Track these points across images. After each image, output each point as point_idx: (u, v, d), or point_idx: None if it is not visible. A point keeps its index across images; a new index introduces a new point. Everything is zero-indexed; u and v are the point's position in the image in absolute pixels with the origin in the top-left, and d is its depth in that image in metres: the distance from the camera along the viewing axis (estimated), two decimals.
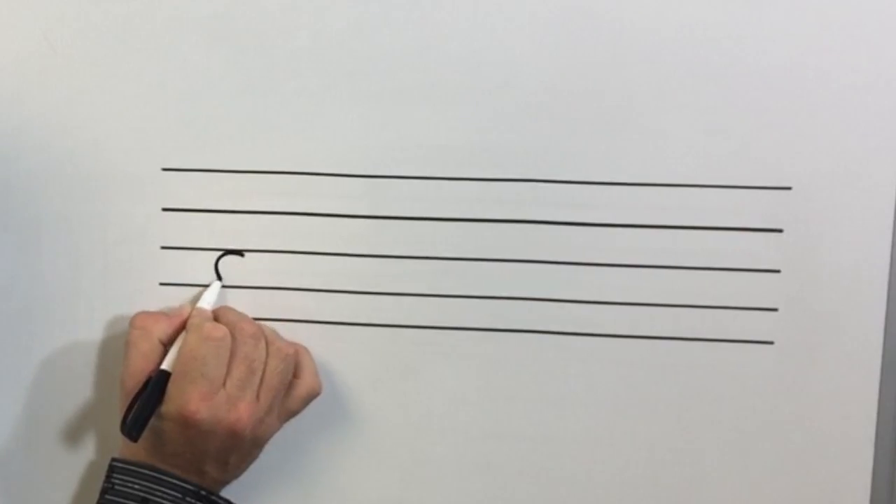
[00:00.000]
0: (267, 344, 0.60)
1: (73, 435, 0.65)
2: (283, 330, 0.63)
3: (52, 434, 0.65)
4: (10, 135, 0.62)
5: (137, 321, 0.61)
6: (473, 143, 0.61)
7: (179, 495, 0.57)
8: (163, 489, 0.57)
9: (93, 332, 0.64)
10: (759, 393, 0.62)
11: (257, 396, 0.58)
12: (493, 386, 0.63)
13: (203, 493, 0.58)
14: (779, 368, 0.62)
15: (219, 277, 0.63)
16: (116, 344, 0.63)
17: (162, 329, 0.60)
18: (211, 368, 0.57)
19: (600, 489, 0.64)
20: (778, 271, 0.61)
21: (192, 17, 0.61)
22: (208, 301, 0.62)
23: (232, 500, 0.60)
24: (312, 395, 0.62)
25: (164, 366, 0.59)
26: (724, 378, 0.62)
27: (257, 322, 0.61)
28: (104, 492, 0.58)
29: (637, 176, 0.61)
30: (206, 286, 0.63)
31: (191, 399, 0.56)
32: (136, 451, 0.59)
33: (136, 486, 0.58)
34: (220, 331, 0.58)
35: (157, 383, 0.58)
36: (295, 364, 0.61)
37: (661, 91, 0.60)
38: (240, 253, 0.63)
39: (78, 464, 0.65)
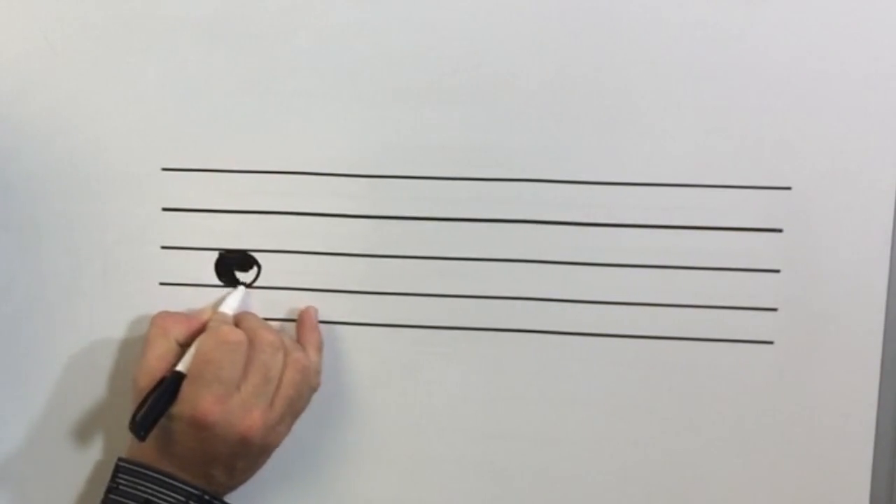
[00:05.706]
0: (285, 354, 0.59)
1: (73, 435, 0.65)
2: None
3: (53, 434, 0.65)
4: (10, 134, 0.62)
5: (157, 320, 0.60)
6: (473, 143, 0.61)
7: (183, 499, 0.57)
8: (167, 492, 0.57)
9: (93, 332, 0.64)
10: (758, 393, 0.62)
11: (271, 404, 0.58)
12: (494, 386, 0.63)
13: (207, 497, 0.58)
14: (778, 368, 0.62)
15: (242, 283, 0.63)
16: (117, 344, 0.63)
17: (180, 330, 0.60)
18: (226, 372, 0.57)
19: (600, 489, 0.64)
20: (777, 271, 0.61)
21: (192, 17, 0.61)
22: (231, 306, 0.62)
23: (232, 499, 0.60)
24: (313, 392, 0.62)
25: (180, 367, 0.58)
26: (724, 378, 0.62)
27: (278, 331, 0.60)
28: (109, 491, 0.58)
29: (637, 176, 0.61)
30: (230, 291, 0.63)
31: (204, 401, 0.56)
32: (143, 451, 0.58)
33: (141, 488, 0.57)
34: (237, 335, 0.58)
35: (171, 384, 0.57)
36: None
37: (661, 91, 0.60)
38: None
39: (79, 464, 0.65)
